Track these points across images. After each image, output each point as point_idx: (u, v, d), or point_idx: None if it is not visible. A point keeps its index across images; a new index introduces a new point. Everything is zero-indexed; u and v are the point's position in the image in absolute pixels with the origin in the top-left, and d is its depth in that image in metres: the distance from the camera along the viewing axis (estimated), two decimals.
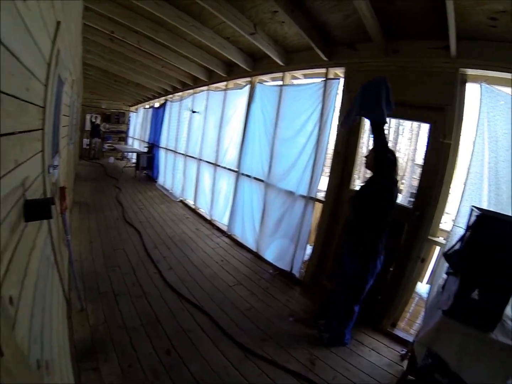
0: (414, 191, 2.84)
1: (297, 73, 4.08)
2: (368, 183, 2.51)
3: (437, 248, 2.72)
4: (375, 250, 2.38)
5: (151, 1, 3.31)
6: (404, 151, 16.92)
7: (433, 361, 1.78)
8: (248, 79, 4.74)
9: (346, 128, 2.71)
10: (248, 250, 4.66)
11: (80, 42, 4.90)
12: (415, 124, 14.88)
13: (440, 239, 2.66)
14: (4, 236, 1.03)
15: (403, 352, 2.55)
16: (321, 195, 3.58)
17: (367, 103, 2.30)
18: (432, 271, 2.81)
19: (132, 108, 14.49)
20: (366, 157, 2.55)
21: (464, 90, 2.58)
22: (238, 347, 2.55)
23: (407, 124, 16.61)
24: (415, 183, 13.03)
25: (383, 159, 2.29)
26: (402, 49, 2.74)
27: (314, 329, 2.81)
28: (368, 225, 2.38)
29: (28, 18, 1.21)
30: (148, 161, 9.89)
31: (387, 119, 2.33)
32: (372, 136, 2.33)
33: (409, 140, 16.84)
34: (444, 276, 2.18)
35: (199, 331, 2.71)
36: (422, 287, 3.10)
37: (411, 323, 2.93)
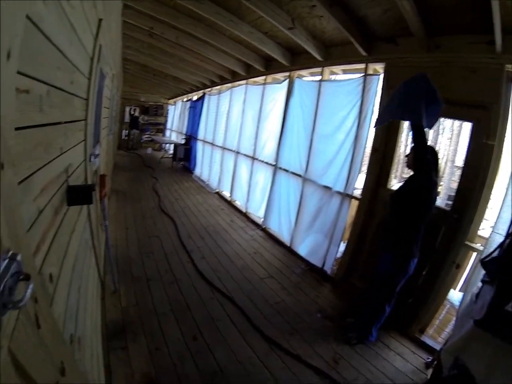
0: (453, 194, 2.69)
1: (336, 69, 3.99)
2: (407, 182, 2.46)
3: (474, 255, 2.57)
4: (410, 251, 2.33)
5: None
6: (444, 152, 16.00)
7: (459, 372, 1.69)
8: (287, 73, 4.71)
9: (380, 124, 2.60)
10: (281, 244, 4.66)
11: (119, 38, 5.11)
12: (456, 123, 14.04)
13: (478, 245, 2.50)
14: (48, 217, 1.11)
15: (429, 360, 2.45)
16: (357, 193, 3.51)
17: (406, 103, 2.19)
18: (466, 278, 2.67)
19: (170, 101, 14.89)
20: (407, 156, 2.47)
21: (511, 88, 2.38)
22: (265, 339, 2.58)
23: (447, 123, 15.67)
24: (454, 185, 12.31)
25: (423, 160, 2.20)
26: (444, 44, 2.59)
27: (341, 327, 2.78)
28: (405, 225, 2.34)
29: (73, 16, 1.28)
30: (185, 152, 10.12)
31: (436, 119, 2.23)
32: (412, 136, 2.25)
33: (449, 140, 15.88)
34: (479, 284, 2.05)
35: (227, 321, 2.77)
36: (455, 295, 2.95)
37: (440, 331, 2.80)
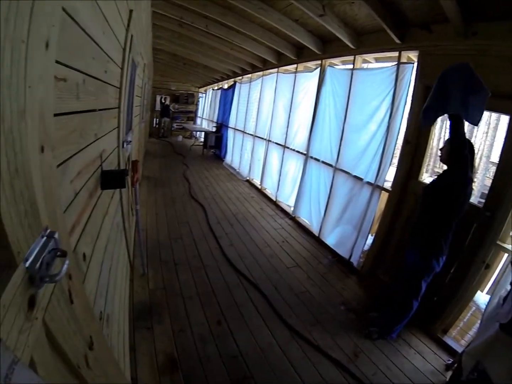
0: (486, 191, 2.54)
1: (368, 57, 3.86)
2: (441, 177, 2.36)
3: (505, 256, 2.44)
4: (440, 248, 2.26)
5: None
6: (479, 146, 14.97)
7: (479, 377, 1.63)
8: (318, 62, 4.60)
9: (427, 123, 2.41)
10: (310, 234, 4.65)
11: (150, 29, 5.20)
12: (494, 116, 13.09)
13: (510, 246, 2.37)
14: (83, 200, 1.18)
15: (449, 362, 2.37)
16: (387, 185, 3.42)
17: (447, 95, 2.07)
18: (495, 280, 2.54)
19: (201, 89, 15.04)
20: (441, 149, 2.36)
21: None
22: (287, 327, 2.60)
23: (484, 116, 14.65)
24: (488, 182, 11.58)
25: (461, 155, 2.11)
26: (482, 31, 2.40)
27: (364, 321, 2.76)
28: (436, 221, 2.27)
29: (105, 8, 1.33)
30: (216, 140, 10.22)
31: (482, 112, 2.08)
32: (450, 129, 2.14)
33: (485, 133, 14.81)
34: (508, 287, 1.95)
35: (251, 307, 2.82)
36: (482, 297, 2.82)
37: (463, 333, 2.69)
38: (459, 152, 2.10)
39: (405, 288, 2.48)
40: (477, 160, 13.94)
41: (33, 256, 0.58)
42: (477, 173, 13.60)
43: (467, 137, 2.17)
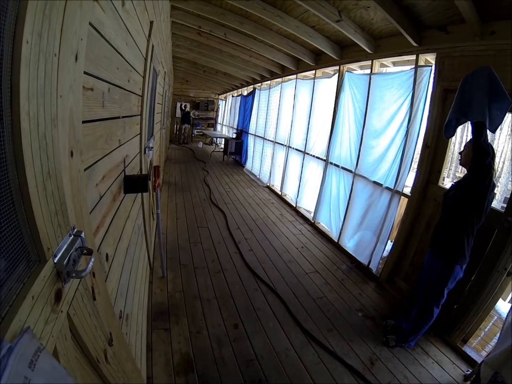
0: (509, 195, 2.45)
1: (386, 61, 3.83)
2: (462, 183, 2.29)
3: None
4: (462, 255, 2.20)
5: None
6: (501, 149, 14.25)
7: None
8: (336, 67, 4.60)
9: (449, 136, 2.35)
10: (329, 239, 4.62)
11: (169, 38, 5.36)
12: None
13: None
14: (107, 202, 1.24)
15: (468, 373, 2.28)
16: (407, 191, 3.37)
17: (469, 102, 2.02)
18: None
19: (221, 96, 15.25)
20: (460, 153, 2.31)
21: None
22: (303, 332, 2.59)
23: (507, 118, 13.87)
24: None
25: (483, 164, 2.05)
26: (500, 30, 2.33)
27: (381, 328, 2.71)
28: (459, 227, 2.21)
29: (128, 20, 1.41)
30: (237, 146, 10.29)
31: (502, 119, 2.01)
32: (473, 136, 2.08)
33: (508, 136, 14.10)
34: None
35: (268, 311, 2.82)
36: (504, 306, 2.71)
37: (484, 343, 2.58)
38: (482, 160, 2.04)
39: (426, 296, 2.41)
40: (500, 164, 13.36)
41: (61, 252, 0.63)
42: (499, 177, 13.04)
43: (490, 140, 2.11)
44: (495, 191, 2.16)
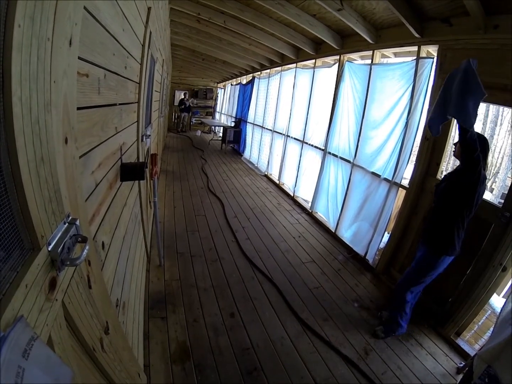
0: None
1: (387, 52, 3.79)
2: (453, 174, 2.29)
3: None
4: (446, 247, 2.21)
5: None
6: (501, 145, 14.13)
7: (489, 382, 1.58)
8: (337, 57, 4.55)
9: (435, 132, 2.15)
10: (327, 229, 4.64)
11: (168, 25, 5.27)
12: None
13: None
14: (103, 190, 1.23)
15: (461, 365, 2.31)
16: (405, 183, 3.37)
17: (449, 100, 1.92)
18: None
19: (220, 85, 15.10)
20: (455, 144, 2.27)
21: None
22: (299, 321, 2.61)
23: (507, 114, 13.73)
24: (510, 182, 11.01)
25: (470, 159, 2.02)
26: (504, 24, 2.29)
27: (376, 320, 2.74)
28: (447, 219, 2.22)
29: (125, 6, 1.38)
30: (235, 135, 10.26)
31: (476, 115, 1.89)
32: (459, 133, 2.00)
33: (508, 132, 14.02)
34: None
35: (264, 300, 2.84)
36: (498, 301, 2.74)
37: (477, 337, 2.61)
38: (469, 154, 2.00)
39: (402, 283, 2.47)
40: (498, 160, 13.32)
41: (56, 240, 0.63)
42: (497, 172, 13.00)
43: (489, 136, 2.07)
44: (487, 183, 2.14)
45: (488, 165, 2.16)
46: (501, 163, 13.29)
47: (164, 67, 5.63)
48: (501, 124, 14.35)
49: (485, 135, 2.27)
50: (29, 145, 0.51)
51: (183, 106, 13.52)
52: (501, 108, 11.74)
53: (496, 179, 13.05)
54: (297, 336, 2.45)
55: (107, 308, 1.04)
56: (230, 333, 2.38)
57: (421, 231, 2.51)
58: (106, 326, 0.97)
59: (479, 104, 1.86)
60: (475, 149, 1.97)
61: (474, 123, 1.88)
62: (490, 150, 2.22)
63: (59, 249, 0.62)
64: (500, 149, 13.90)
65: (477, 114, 1.89)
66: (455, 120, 2.11)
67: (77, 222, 0.71)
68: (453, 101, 1.89)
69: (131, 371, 1.28)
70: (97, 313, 0.90)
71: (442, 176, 2.51)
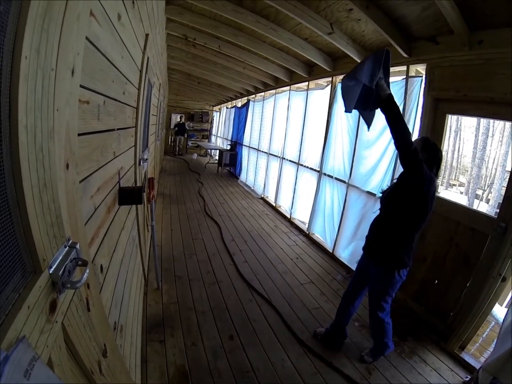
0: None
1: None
2: (397, 181, 2.12)
3: None
4: (401, 261, 2.07)
5: (231, 11, 3.51)
6: (494, 155, 14.33)
7: None
8: (329, 79, 4.68)
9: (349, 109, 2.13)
10: (324, 250, 4.63)
11: (165, 50, 5.44)
12: (508, 124, 12.70)
13: None
14: (101, 214, 1.25)
15: (467, 379, 2.27)
16: None
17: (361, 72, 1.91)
18: None
19: (215, 108, 15.39)
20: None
21: None
22: (299, 343, 2.57)
23: (498, 125, 14.05)
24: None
25: (407, 151, 1.81)
26: (487, 39, 2.39)
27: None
28: (395, 232, 2.05)
29: (123, 34, 1.44)
30: (231, 158, 10.33)
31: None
32: (388, 125, 1.93)
33: (499, 142, 14.27)
34: None
35: (264, 322, 2.80)
36: (501, 312, 2.72)
37: (482, 349, 2.58)
38: (404, 147, 1.83)
39: (371, 306, 2.34)
40: (492, 170, 13.44)
41: (57, 263, 0.64)
42: (492, 183, 13.06)
43: (481, 147, 2.08)
44: (435, 187, 1.97)
45: (440, 173, 2.08)
46: (494, 174, 13.43)
47: (160, 90, 5.76)
48: (492, 135, 14.64)
49: (478, 147, 2.30)
50: (33, 171, 0.54)
51: (177, 129, 13.72)
52: (491, 120, 12.00)
53: (492, 190, 13.14)
54: (298, 357, 2.40)
55: (105, 331, 1.03)
56: (229, 356, 2.33)
57: (366, 241, 2.33)
58: (104, 349, 0.97)
59: (379, 65, 1.92)
60: (406, 136, 1.83)
61: (374, 81, 1.88)
62: (484, 162, 2.23)
63: (60, 272, 0.63)
64: (494, 160, 14.10)
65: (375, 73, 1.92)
66: (455, 133, 2.14)
67: (77, 246, 0.73)
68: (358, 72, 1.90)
69: None
70: (95, 335, 0.89)
71: (444, 192, 2.46)
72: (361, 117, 2.13)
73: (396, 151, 2.52)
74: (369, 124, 2.21)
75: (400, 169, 3.25)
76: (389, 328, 2.35)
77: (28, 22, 0.49)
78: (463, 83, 2.60)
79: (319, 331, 2.69)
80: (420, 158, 1.82)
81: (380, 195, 2.35)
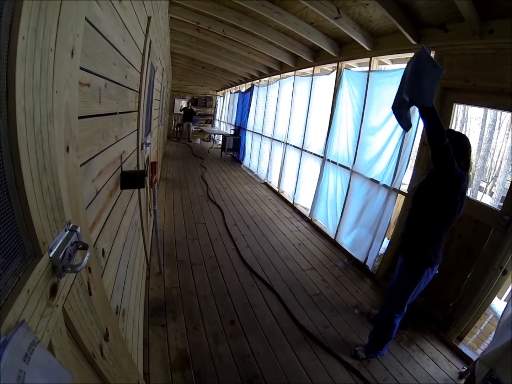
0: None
1: (384, 59, 3.83)
2: (428, 178, 2.06)
3: None
4: (424, 259, 2.01)
5: None
6: (499, 149, 14.11)
7: None
8: (334, 64, 4.60)
9: (406, 125, 2.01)
10: (326, 236, 4.64)
11: (168, 34, 5.34)
12: None
13: None
14: (103, 198, 1.24)
15: (463, 370, 2.30)
16: (404, 189, 3.37)
17: (407, 82, 1.80)
18: None
19: (219, 93, 15.22)
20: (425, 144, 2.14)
21: None
22: (299, 328, 2.60)
23: (505, 117, 13.76)
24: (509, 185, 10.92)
25: (440, 149, 1.77)
26: (499, 28, 2.31)
27: (365, 317, 2.77)
28: (425, 229, 2.01)
29: (125, 16, 1.41)
30: (234, 143, 10.30)
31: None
32: (420, 116, 1.84)
33: (506, 135, 14.00)
34: None
35: (265, 308, 2.84)
36: (499, 305, 2.73)
37: (479, 341, 2.59)
38: (437, 144, 1.78)
39: (386, 304, 2.32)
40: (497, 163, 13.28)
41: (57, 247, 0.64)
42: (496, 176, 12.92)
43: (487, 139, 2.03)
44: (467, 185, 1.91)
45: (472, 165, 2.01)
46: (499, 167, 13.26)
47: (164, 75, 5.69)
48: (499, 128, 14.32)
49: (483, 139, 2.25)
50: (32, 154, 0.52)
51: (184, 113, 13.57)
52: (498, 112, 11.80)
53: (496, 183, 13.01)
54: (298, 343, 2.44)
55: (107, 314, 1.04)
56: (230, 340, 2.37)
57: (398, 246, 2.31)
58: (106, 332, 0.97)
59: (436, 81, 1.79)
60: (442, 134, 1.76)
61: (431, 101, 1.77)
62: (490, 154, 2.17)
63: (60, 255, 0.63)
64: (499, 153, 13.90)
65: (434, 92, 1.82)
66: (461, 124, 2.07)
67: (78, 230, 0.72)
68: (407, 83, 1.80)
69: (130, 378, 1.27)
70: (97, 319, 0.90)
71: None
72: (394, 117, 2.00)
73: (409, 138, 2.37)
74: (408, 125, 2.05)
75: (405, 156, 3.23)
76: (394, 332, 2.32)
77: (25, 1, 0.47)
78: (473, 72, 2.54)
79: (374, 312, 2.72)
80: (452, 155, 1.77)
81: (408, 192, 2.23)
